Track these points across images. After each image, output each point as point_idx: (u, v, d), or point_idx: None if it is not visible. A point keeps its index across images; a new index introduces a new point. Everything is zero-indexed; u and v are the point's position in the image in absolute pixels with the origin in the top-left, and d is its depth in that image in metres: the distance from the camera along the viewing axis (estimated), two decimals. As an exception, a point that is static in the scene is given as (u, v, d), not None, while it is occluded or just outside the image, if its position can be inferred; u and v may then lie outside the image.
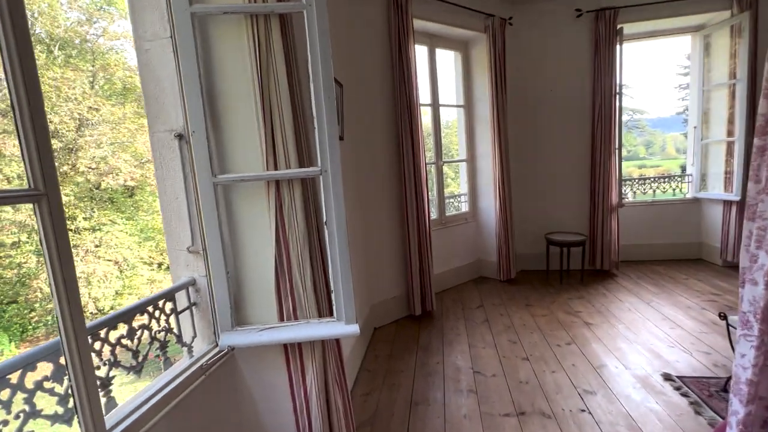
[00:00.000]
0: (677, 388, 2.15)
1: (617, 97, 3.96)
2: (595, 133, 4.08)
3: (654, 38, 4.36)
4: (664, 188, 4.70)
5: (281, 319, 1.45)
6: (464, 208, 4.38)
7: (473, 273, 4.30)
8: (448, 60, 4.20)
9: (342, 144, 2.51)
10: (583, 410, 2.02)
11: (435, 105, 3.83)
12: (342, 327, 1.43)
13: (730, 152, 3.98)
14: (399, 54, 3.07)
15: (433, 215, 3.97)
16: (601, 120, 4.01)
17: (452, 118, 4.41)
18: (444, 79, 4.05)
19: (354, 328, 1.42)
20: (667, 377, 2.26)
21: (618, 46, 3.90)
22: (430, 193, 3.60)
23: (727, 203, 4.00)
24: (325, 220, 1.39)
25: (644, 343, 2.68)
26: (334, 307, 1.45)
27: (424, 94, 3.72)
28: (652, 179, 4.83)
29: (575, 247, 3.94)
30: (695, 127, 4.34)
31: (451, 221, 4.09)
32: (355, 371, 2.47)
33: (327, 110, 1.33)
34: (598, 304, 3.41)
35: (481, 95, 4.05)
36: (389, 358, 2.69)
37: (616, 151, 4.05)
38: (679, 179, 4.68)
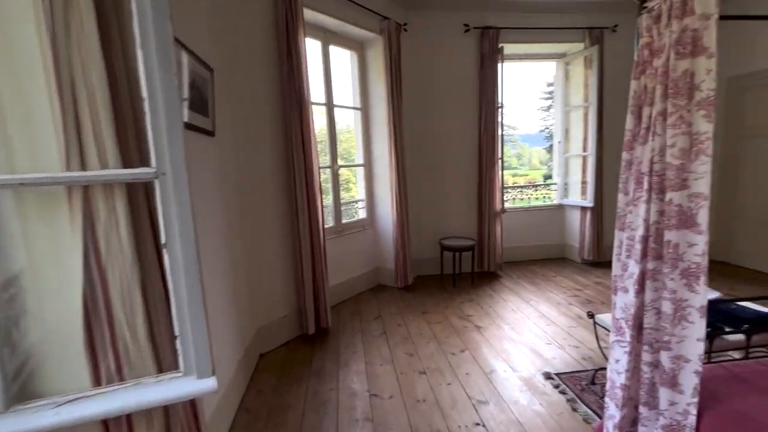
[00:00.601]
0: (556, 386, 2.28)
1: (499, 111, 4.26)
2: (482, 143, 4.33)
3: (528, 61, 4.85)
4: (537, 195, 5.27)
5: (97, 383, 1.01)
6: (362, 214, 4.23)
7: (371, 282, 4.17)
8: (344, 60, 4.00)
9: (213, 141, 2.08)
10: (478, 424, 1.98)
11: (330, 105, 3.59)
12: (191, 383, 1.06)
13: (585, 165, 4.62)
14: (287, 43, 2.74)
15: (330, 223, 3.71)
16: (487, 132, 4.28)
17: (352, 121, 4.24)
18: (341, 80, 3.84)
19: (208, 384, 1.06)
20: (548, 376, 2.39)
21: (500, 64, 4.21)
22: (325, 198, 3.33)
23: (584, 209, 4.63)
24: (163, 242, 1.02)
25: (527, 342, 2.84)
26: (180, 358, 1.08)
27: (318, 93, 3.45)
28: (528, 187, 5.39)
29: (466, 251, 4.11)
30: (559, 142, 4.95)
31: (349, 229, 3.89)
32: (231, 414, 2.06)
33: (163, 86, 0.96)
34: (486, 306, 3.57)
35: (377, 98, 3.95)
36: (275, 391, 2.33)
37: (499, 161, 4.36)
38: (547, 187, 5.30)
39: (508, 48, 4.39)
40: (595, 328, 2.29)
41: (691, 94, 1.23)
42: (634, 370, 1.44)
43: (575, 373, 2.41)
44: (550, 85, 6.51)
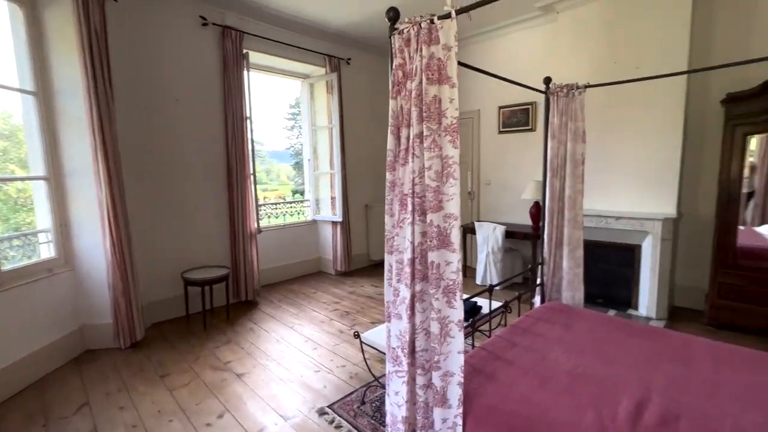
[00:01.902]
0: (331, 422, 2.10)
1: (248, 122, 3.88)
2: (230, 156, 3.80)
3: (276, 75, 4.70)
4: (291, 212, 5.19)
5: None
6: (48, 252, 2.81)
7: (70, 351, 2.82)
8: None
9: None
10: None
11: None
12: None
13: (333, 182, 4.90)
14: None
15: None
16: (235, 144, 3.79)
17: (15, 111, 2.73)
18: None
19: None
20: (322, 412, 2.19)
21: (246, 72, 3.83)
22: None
23: (334, 223, 4.90)
24: None
25: (296, 377, 2.57)
26: None
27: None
28: (281, 203, 5.24)
29: (218, 282, 3.46)
30: (309, 160, 5.06)
31: (21, 277, 2.46)
32: None
33: None
34: (247, 344, 3.07)
35: (67, 81, 2.72)
36: None
37: (251, 176, 3.96)
38: (301, 203, 5.32)
39: (255, 57, 4.09)
40: (361, 347, 2.27)
41: (440, 120, 1.28)
42: (411, 398, 1.40)
43: (346, 397, 2.33)
44: (293, 106, 6.69)
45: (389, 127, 1.39)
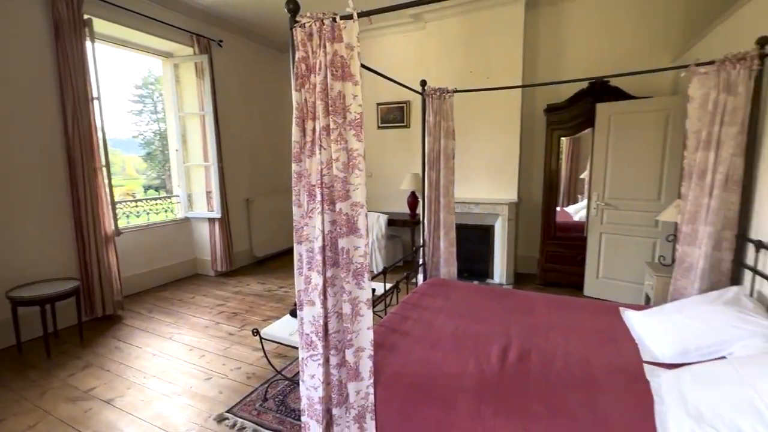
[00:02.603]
0: (233, 426, 2.01)
1: (95, 103, 3.24)
2: (72, 145, 3.12)
3: (129, 49, 3.99)
4: (157, 210, 4.54)
5: None
6: None
7: None
8: None
9: None
10: None
11: None
12: None
13: (208, 175, 4.48)
14: None
15: None
16: (79, 130, 3.13)
17: None
18: None
19: None
20: (221, 418, 2.07)
21: (90, 43, 3.17)
22: None
23: (212, 220, 4.50)
24: None
25: (184, 390, 2.34)
26: None
27: None
28: (145, 200, 4.54)
29: (63, 299, 2.84)
30: (177, 150, 4.50)
31: None
32: None
33: None
34: (114, 365, 2.63)
35: None
36: None
37: (103, 169, 3.33)
38: (168, 200, 4.70)
39: (102, 26, 3.42)
40: (262, 343, 2.21)
41: (345, 114, 1.36)
42: (325, 376, 1.47)
43: (246, 398, 2.24)
44: (141, 87, 5.80)
45: (294, 119, 1.41)
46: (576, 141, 4.14)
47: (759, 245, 1.94)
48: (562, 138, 3.91)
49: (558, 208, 4.02)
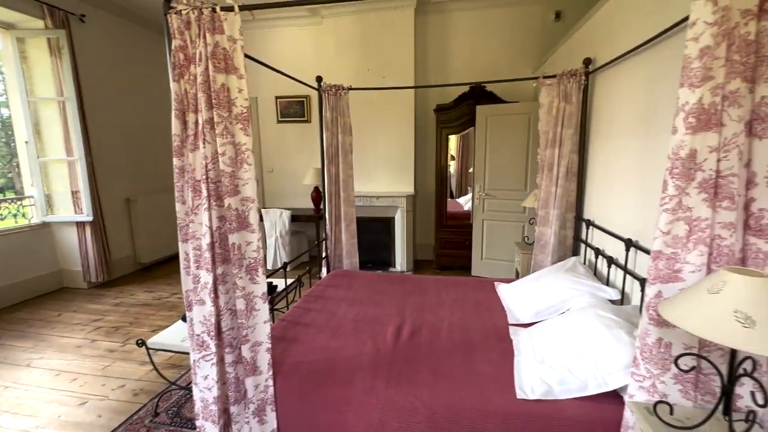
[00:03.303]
0: (117, 447, 1.82)
1: None
2: None
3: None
4: (1, 215, 3.73)
5: None
6: None
7: None
8: None
9: None
10: None
11: None
12: None
13: (73, 172, 3.84)
14: None
15: None
16: None
17: None
18: None
19: None
20: (101, 442, 1.86)
21: None
22: None
23: (81, 224, 3.89)
24: None
25: (51, 421, 2.03)
26: None
27: None
28: (-19, 204, 3.69)
29: None
30: (27, 143, 3.76)
31: None
32: None
33: None
34: (-54, 406, 2.14)
35: None
36: None
37: None
38: (18, 202, 3.90)
39: None
40: (149, 354, 2.03)
41: (231, 108, 1.34)
42: (220, 375, 1.44)
43: (132, 417, 2.04)
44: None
45: (173, 111, 1.33)
46: (465, 138, 4.62)
47: (588, 223, 2.46)
48: (451, 135, 4.32)
49: (450, 199, 4.45)
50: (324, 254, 3.10)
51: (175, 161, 1.36)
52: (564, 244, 2.66)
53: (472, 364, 1.65)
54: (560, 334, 1.64)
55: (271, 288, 2.54)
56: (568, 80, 2.45)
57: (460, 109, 4.06)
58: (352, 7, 4.10)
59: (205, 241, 1.35)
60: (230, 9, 1.29)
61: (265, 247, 4.77)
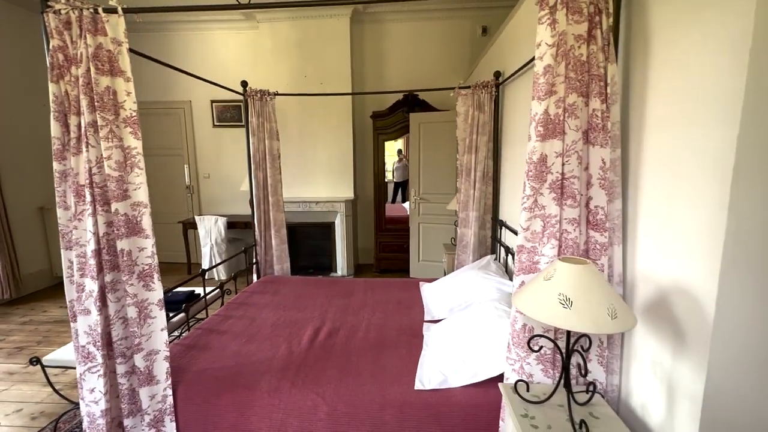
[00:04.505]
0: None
1: None
2: None
3: None
4: None
5: None
6: None
7: None
8: None
9: None
10: None
11: None
12: None
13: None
14: None
15: None
16: None
17: None
18: None
19: None
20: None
21: None
22: None
23: (-17, 236, 3.52)
24: None
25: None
26: None
27: None
28: None
29: None
30: None
31: None
32: None
33: None
34: None
35: None
36: None
37: None
38: None
39: None
40: (44, 372, 1.88)
41: (117, 111, 1.31)
42: (110, 388, 1.39)
43: (27, 441, 1.89)
44: None
45: (52, 113, 1.28)
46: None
47: (502, 224, 2.64)
48: (386, 141, 4.44)
49: (393, 204, 4.55)
50: (254, 260, 3.05)
51: (56, 165, 1.30)
52: (484, 244, 2.83)
53: (381, 361, 1.71)
54: (461, 327, 1.75)
55: (192, 296, 2.46)
56: (481, 91, 2.63)
57: (395, 116, 4.19)
58: (289, 13, 4.11)
59: (90, 247, 1.30)
60: (113, 11, 1.27)
61: (192, 255, 4.59)
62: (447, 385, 1.49)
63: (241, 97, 2.81)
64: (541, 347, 1.14)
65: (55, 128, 1.29)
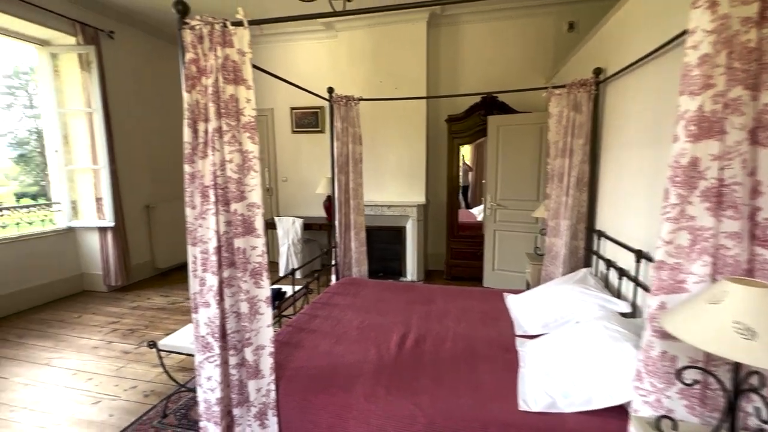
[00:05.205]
0: (126, 447, 1.87)
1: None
2: None
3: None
4: (30, 219, 3.93)
5: None
6: None
7: None
8: None
9: None
10: None
11: None
12: None
13: (98, 179, 4.02)
14: None
15: None
16: None
17: None
18: None
19: None
20: (111, 441, 1.91)
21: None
22: None
23: (103, 230, 4.05)
24: None
25: (65, 419, 2.10)
26: None
27: None
28: (13, 209, 3.89)
29: None
30: (57, 152, 3.96)
31: None
32: None
33: None
34: (-30, 400, 2.24)
35: None
36: None
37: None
38: (47, 208, 4.10)
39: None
40: (159, 355, 2.08)
41: (239, 117, 1.40)
42: (223, 378, 1.47)
43: (143, 417, 2.09)
44: (14, 77, 5.01)
45: (186, 120, 1.40)
46: (480, 148, 4.61)
47: (599, 234, 2.41)
48: (462, 146, 4.33)
49: (464, 210, 4.43)
50: (333, 262, 3.13)
51: (186, 168, 1.42)
52: (575, 255, 2.61)
53: (475, 374, 1.62)
54: (567, 347, 1.60)
55: (280, 294, 2.57)
56: (578, 90, 2.43)
57: (472, 120, 4.07)
58: (366, 20, 4.20)
59: (212, 244, 1.40)
60: (239, 24, 1.35)
61: (269, 254, 4.85)
62: (555, 409, 1.36)
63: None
64: (697, 381, 0.98)
65: (186, 134, 1.40)
